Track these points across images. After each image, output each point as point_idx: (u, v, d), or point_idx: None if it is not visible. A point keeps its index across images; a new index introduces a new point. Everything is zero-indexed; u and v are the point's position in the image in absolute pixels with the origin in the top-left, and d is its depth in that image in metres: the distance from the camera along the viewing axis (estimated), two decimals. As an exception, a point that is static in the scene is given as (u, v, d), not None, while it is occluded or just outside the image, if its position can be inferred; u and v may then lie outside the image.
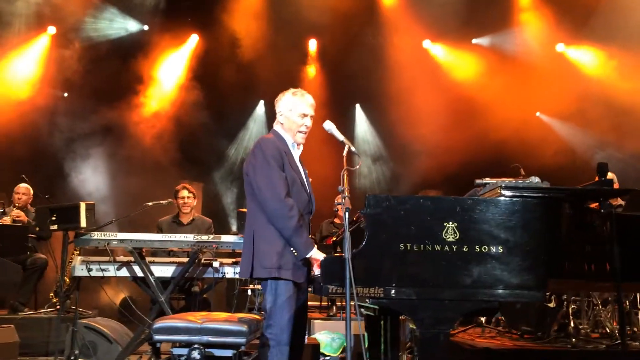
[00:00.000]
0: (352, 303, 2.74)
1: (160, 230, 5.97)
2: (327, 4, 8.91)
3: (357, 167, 3.37)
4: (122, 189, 8.40)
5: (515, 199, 2.97)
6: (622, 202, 5.34)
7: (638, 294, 5.23)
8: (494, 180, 3.16)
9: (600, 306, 5.22)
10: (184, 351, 3.01)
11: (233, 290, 6.06)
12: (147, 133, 8.78)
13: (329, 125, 3.31)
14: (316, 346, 4.65)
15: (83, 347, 5.07)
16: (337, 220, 7.16)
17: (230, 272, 5.08)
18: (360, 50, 9.47)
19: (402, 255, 2.87)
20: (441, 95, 9.02)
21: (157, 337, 3.06)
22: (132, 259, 4.99)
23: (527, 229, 2.94)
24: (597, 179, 3.54)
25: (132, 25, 9.27)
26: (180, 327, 3.05)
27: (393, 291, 2.85)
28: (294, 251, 3.14)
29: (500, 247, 2.89)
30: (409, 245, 2.87)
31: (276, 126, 3.44)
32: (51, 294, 6.45)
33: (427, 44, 9.81)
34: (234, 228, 9.40)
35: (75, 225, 4.81)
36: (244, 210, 3.58)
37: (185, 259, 5.18)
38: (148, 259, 5.14)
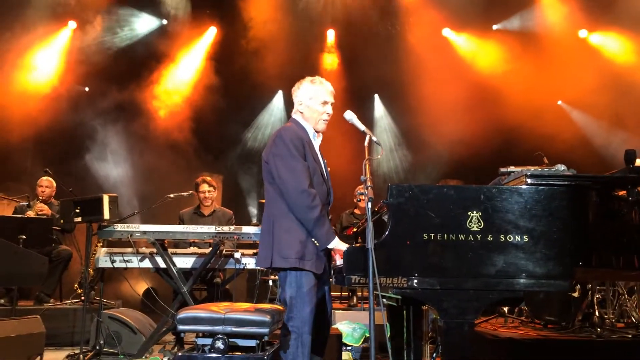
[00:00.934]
0: (375, 293, 2.73)
1: (181, 221, 6.02)
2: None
3: (379, 156, 3.34)
4: (144, 182, 8.49)
5: (540, 187, 2.92)
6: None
7: (665, 284, 5.14)
8: (518, 169, 3.12)
9: (625, 295, 5.14)
10: (208, 341, 3.02)
11: (254, 281, 6.09)
12: (167, 126, 8.84)
13: (350, 115, 3.27)
14: (339, 336, 4.65)
15: (108, 337, 5.14)
16: (357, 211, 7.15)
17: (251, 263, 5.10)
18: (378, 39, 9.40)
19: (426, 245, 2.84)
20: (461, 84, 8.91)
21: (181, 327, 3.08)
22: (154, 250, 5.04)
23: (553, 218, 2.89)
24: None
25: (151, 20, 9.29)
26: (204, 317, 3.06)
27: (416, 281, 2.83)
28: (315, 242, 3.13)
29: (525, 236, 2.85)
30: (432, 234, 2.84)
31: (295, 115, 3.40)
32: (75, 285, 6.56)
33: (446, 32, 9.68)
34: (254, 219, 9.45)
35: (99, 217, 4.87)
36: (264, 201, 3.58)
37: (207, 250, 5.21)
38: (170, 250, 5.19)
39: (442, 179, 9.51)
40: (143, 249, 5.17)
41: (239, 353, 3.03)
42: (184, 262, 5.16)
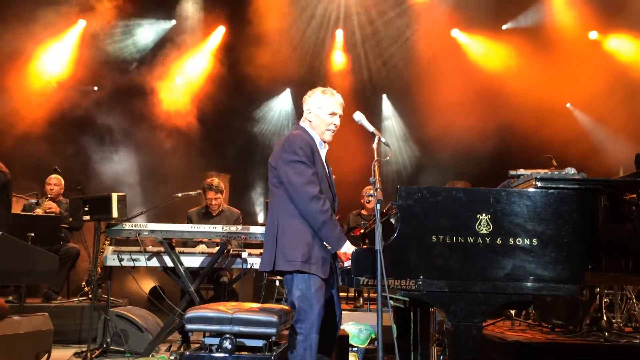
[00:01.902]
0: (383, 295, 2.72)
1: (189, 220, 6.03)
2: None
3: (387, 158, 3.34)
4: (152, 180, 8.52)
5: (550, 191, 2.91)
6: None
7: (674, 288, 5.10)
8: (528, 172, 3.10)
9: (634, 300, 5.11)
10: (216, 340, 3.03)
11: (261, 281, 6.11)
12: (175, 125, 8.86)
13: (359, 116, 3.28)
14: (345, 337, 4.65)
15: (115, 335, 5.17)
16: (364, 212, 7.14)
17: (258, 263, 5.10)
18: (387, 40, 9.38)
19: (434, 247, 2.84)
20: (470, 85, 8.88)
21: (189, 326, 3.09)
22: (162, 249, 5.06)
23: (562, 222, 2.88)
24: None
25: (161, 21, 9.32)
26: (211, 316, 3.07)
27: (424, 283, 2.82)
28: (326, 245, 3.13)
29: (534, 240, 2.84)
30: (441, 237, 2.84)
31: (303, 123, 3.43)
32: (83, 283, 6.59)
33: (455, 32, 9.65)
34: (260, 219, 9.47)
35: (107, 215, 4.89)
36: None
37: (214, 250, 5.22)
38: (178, 249, 5.20)
39: (450, 180, 9.49)
40: (150, 248, 5.19)
41: (246, 353, 3.03)
42: (191, 261, 5.18)
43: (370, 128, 3.24)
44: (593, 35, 9.05)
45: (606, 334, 4.77)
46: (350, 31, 9.62)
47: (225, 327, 3.03)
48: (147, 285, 6.86)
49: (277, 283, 6.33)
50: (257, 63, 9.06)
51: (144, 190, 8.49)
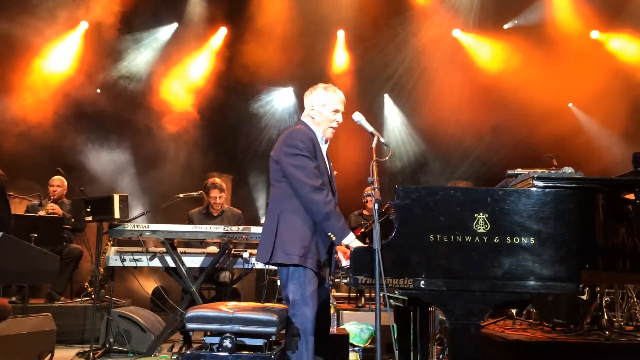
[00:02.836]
0: (381, 294, 2.74)
1: (191, 221, 6.06)
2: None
3: (387, 158, 3.36)
4: (154, 181, 8.55)
5: (547, 190, 2.92)
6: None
7: (675, 287, 5.11)
8: (526, 171, 3.12)
9: (634, 298, 5.11)
10: (216, 340, 3.06)
11: (262, 280, 6.12)
12: (177, 126, 8.90)
13: (358, 117, 3.31)
14: (346, 336, 4.67)
15: (117, 335, 5.20)
16: (365, 212, 7.15)
17: (259, 263, 5.13)
18: (388, 40, 9.39)
19: (432, 247, 2.85)
20: (471, 85, 8.90)
21: (190, 325, 3.11)
22: (164, 249, 5.09)
23: (559, 220, 2.89)
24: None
25: (161, 22, 9.34)
26: (212, 316, 3.09)
27: (423, 282, 2.84)
28: (331, 235, 3.15)
29: (532, 239, 2.85)
30: (439, 236, 2.85)
31: (305, 119, 3.46)
32: (86, 284, 6.63)
33: (457, 32, 9.66)
34: (262, 219, 9.49)
35: (110, 216, 4.92)
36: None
37: (216, 250, 5.25)
38: (180, 249, 5.23)
39: (451, 180, 9.50)
40: (152, 247, 5.22)
41: (247, 352, 3.06)
42: (193, 261, 5.21)
43: (370, 128, 3.26)
44: (595, 34, 9.03)
45: (607, 332, 4.78)
46: (351, 31, 9.62)
47: (226, 327, 3.06)
48: (149, 285, 6.88)
49: (279, 283, 6.34)
50: (259, 63, 9.09)
51: (146, 190, 8.51)
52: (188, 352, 3.12)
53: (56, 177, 6.67)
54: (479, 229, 2.84)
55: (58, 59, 8.64)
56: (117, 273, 5.68)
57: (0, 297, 5.51)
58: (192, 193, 5.53)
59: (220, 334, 3.06)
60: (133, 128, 8.81)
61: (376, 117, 9.88)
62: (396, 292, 2.94)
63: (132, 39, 8.98)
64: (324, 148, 3.43)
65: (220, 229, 5.05)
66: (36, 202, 6.57)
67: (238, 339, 3.05)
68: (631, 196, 3.10)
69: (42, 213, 6.32)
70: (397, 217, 2.90)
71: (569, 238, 2.89)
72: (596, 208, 2.99)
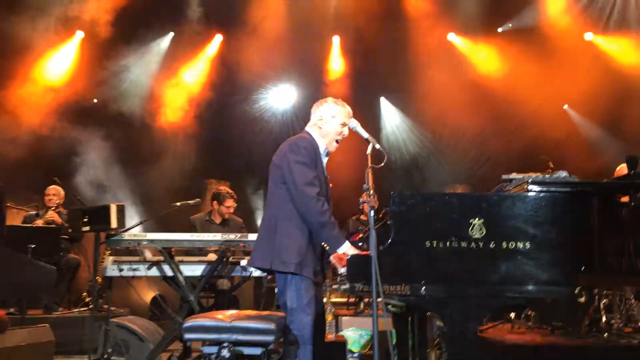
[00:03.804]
0: (378, 300, 2.75)
1: (193, 227, 6.04)
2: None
3: (382, 164, 3.37)
4: (150, 188, 8.54)
5: (542, 194, 2.94)
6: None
7: (672, 288, 5.11)
8: (520, 176, 3.13)
9: (632, 300, 5.12)
10: (214, 349, 3.06)
11: (260, 288, 6.11)
12: (173, 133, 8.90)
13: (354, 123, 3.36)
14: (343, 343, 4.67)
15: (115, 346, 5.17)
16: (363, 217, 7.15)
17: (257, 271, 5.11)
18: (384, 45, 9.41)
19: (429, 253, 2.86)
20: (467, 89, 8.91)
21: (188, 335, 3.12)
22: (161, 258, 5.07)
23: (555, 224, 2.91)
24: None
25: (157, 31, 9.35)
26: (210, 325, 3.10)
27: (420, 288, 2.85)
28: (324, 245, 3.16)
29: (528, 243, 2.86)
30: (435, 242, 2.86)
31: (311, 129, 3.52)
32: (84, 294, 6.60)
33: (451, 36, 9.68)
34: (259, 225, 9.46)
35: (106, 226, 4.91)
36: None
37: (215, 258, 5.24)
38: (178, 257, 5.22)
39: (449, 184, 9.50)
40: (148, 254, 5.20)
41: (245, 361, 3.06)
42: (191, 269, 5.19)
43: (365, 135, 3.28)
44: (589, 36, 9.06)
45: (605, 334, 4.79)
46: (346, 36, 9.64)
47: (224, 336, 3.06)
48: (147, 293, 6.87)
49: (277, 290, 6.33)
50: (255, 69, 9.10)
51: (143, 198, 8.50)
52: (186, 362, 3.12)
53: (52, 186, 6.67)
54: (475, 234, 2.85)
55: (55, 68, 8.64)
56: (115, 282, 5.67)
57: (-3, 309, 5.51)
58: (189, 202, 5.51)
59: (218, 343, 3.06)
60: (130, 136, 8.80)
61: (373, 121, 9.87)
62: (394, 298, 2.95)
63: (128, 48, 8.98)
64: (324, 160, 3.49)
65: (218, 236, 5.04)
66: (33, 212, 6.56)
67: (236, 348, 3.05)
68: (626, 199, 3.11)
69: (39, 223, 6.31)
70: (393, 223, 2.91)
71: (564, 241, 2.90)
72: (591, 211, 3.01)
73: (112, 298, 5.37)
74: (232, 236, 5.07)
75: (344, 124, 3.46)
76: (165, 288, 6.30)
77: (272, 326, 3.05)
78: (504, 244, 2.85)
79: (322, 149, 3.45)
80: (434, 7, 9.28)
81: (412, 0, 9.40)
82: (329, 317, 5.34)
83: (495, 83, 9.04)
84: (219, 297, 5.77)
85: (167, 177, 8.58)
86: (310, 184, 3.22)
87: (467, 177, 9.42)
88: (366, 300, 6.55)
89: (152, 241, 4.97)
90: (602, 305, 4.93)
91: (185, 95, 9.24)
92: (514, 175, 3.18)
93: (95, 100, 8.94)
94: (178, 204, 5.39)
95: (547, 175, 3.08)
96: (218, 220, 6.11)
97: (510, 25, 9.44)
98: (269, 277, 4.51)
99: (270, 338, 3.04)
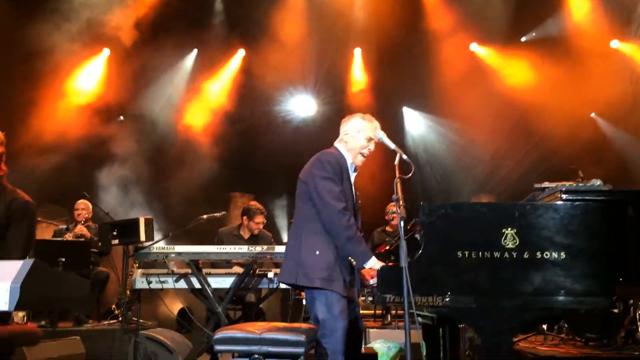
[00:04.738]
0: (410, 312, 2.72)
1: (220, 241, 6.06)
2: (372, 12, 8.93)
3: (410, 175, 3.35)
4: (176, 201, 8.62)
5: (576, 203, 2.89)
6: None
7: None
8: (553, 184, 3.09)
9: (669, 311, 4.98)
10: (244, 361, 3.05)
11: (287, 300, 6.10)
12: (198, 146, 8.99)
13: (380, 134, 3.35)
14: (374, 355, 4.62)
15: (145, 358, 5.20)
16: (389, 229, 7.11)
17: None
18: (406, 56, 9.40)
19: (460, 263, 2.83)
20: (491, 98, 8.84)
21: (218, 347, 3.11)
22: (189, 270, 5.11)
23: (589, 234, 2.85)
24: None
25: (183, 47, 9.48)
26: (239, 337, 3.09)
27: (451, 300, 2.81)
28: (351, 260, 3.15)
29: (562, 253, 2.81)
30: (466, 252, 2.83)
31: (339, 144, 3.53)
32: (113, 306, 6.67)
33: (474, 47, 9.63)
34: (284, 239, 9.47)
35: (135, 239, 4.97)
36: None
37: (241, 270, 5.25)
38: (205, 270, 5.24)
39: (474, 194, 9.40)
40: (172, 265, 5.23)
41: (275, 373, 3.04)
42: (218, 282, 5.22)
43: (392, 145, 3.28)
44: (614, 44, 8.93)
45: (642, 347, 4.66)
46: (368, 49, 9.66)
47: (254, 348, 3.05)
48: (175, 306, 6.90)
49: (304, 302, 6.32)
50: (279, 84, 9.19)
51: (167, 212, 8.57)
52: (217, 374, 3.12)
53: (81, 200, 6.78)
54: (508, 244, 2.81)
55: (84, 82, 8.81)
56: (144, 295, 5.71)
57: (29, 322, 5.59)
58: (215, 214, 5.55)
59: (248, 355, 3.05)
60: (157, 151, 8.92)
61: (396, 132, 9.83)
62: (425, 310, 2.92)
63: (154, 63, 9.11)
64: (352, 175, 3.48)
65: (244, 249, 5.06)
66: (63, 226, 6.67)
67: (266, 359, 3.04)
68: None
69: (69, 237, 6.41)
70: (424, 234, 2.89)
71: (599, 251, 2.85)
72: (626, 220, 2.94)
73: (140, 310, 5.41)
74: (258, 248, 5.09)
75: (369, 139, 3.46)
76: (191, 300, 6.34)
77: (302, 338, 3.04)
78: (538, 254, 2.81)
79: (349, 163, 3.46)
80: (455, 17, 9.25)
81: (433, 11, 9.38)
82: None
83: (520, 92, 8.94)
84: (246, 309, 5.77)
85: (191, 189, 8.65)
86: (335, 198, 3.22)
87: (492, 187, 9.32)
88: (393, 312, 6.51)
89: (179, 254, 5.02)
90: (638, 316, 4.80)
91: (209, 108, 9.34)
92: (546, 184, 3.14)
93: (121, 118, 9.10)
94: (205, 216, 5.43)
95: (580, 184, 3.02)
96: (247, 235, 6.11)
97: (534, 34, 9.34)
98: (296, 289, 4.50)
99: (300, 350, 3.02)
